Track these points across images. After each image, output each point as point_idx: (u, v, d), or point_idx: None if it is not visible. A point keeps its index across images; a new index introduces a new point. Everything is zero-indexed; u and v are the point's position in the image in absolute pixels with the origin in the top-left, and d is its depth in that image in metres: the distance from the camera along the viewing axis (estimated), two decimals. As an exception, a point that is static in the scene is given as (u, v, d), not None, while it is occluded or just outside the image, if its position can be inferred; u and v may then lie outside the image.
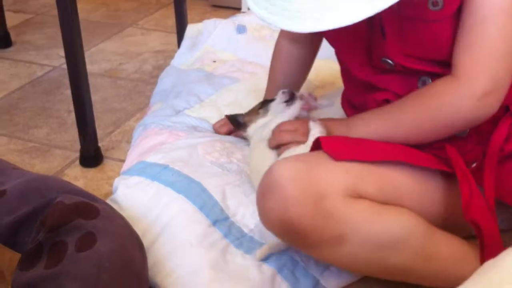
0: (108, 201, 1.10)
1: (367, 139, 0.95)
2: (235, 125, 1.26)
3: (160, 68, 1.78)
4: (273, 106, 1.18)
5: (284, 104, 1.16)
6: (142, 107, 1.57)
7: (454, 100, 0.90)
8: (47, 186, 0.95)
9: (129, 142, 1.41)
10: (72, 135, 1.41)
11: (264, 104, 1.25)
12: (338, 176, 0.87)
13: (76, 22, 1.20)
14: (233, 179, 1.13)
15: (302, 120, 1.06)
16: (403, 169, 0.92)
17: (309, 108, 1.14)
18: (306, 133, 1.00)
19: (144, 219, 1.03)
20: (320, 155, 0.90)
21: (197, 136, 1.28)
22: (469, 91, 0.88)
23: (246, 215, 1.07)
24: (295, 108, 1.12)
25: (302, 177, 0.85)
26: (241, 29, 1.81)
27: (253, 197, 1.11)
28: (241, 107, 1.44)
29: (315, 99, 1.18)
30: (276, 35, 1.78)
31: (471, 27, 0.87)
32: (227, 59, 1.72)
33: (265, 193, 0.86)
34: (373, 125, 0.96)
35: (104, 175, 1.29)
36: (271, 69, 1.31)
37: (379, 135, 0.95)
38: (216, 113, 1.43)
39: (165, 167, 1.14)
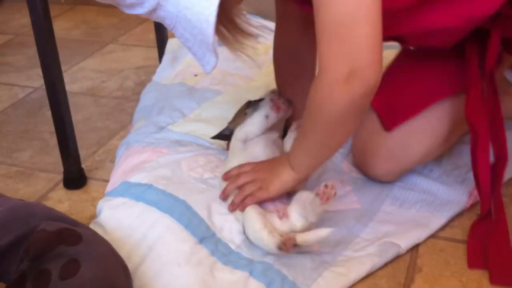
0: (92, 224, 1.09)
1: None
2: (223, 139, 1.26)
3: (142, 84, 1.77)
4: (262, 105, 1.17)
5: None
6: (125, 125, 1.56)
7: (324, 98, 0.92)
8: (30, 214, 0.93)
9: (113, 161, 1.39)
10: (55, 157, 1.39)
11: (251, 104, 1.24)
12: None
13: (53, 42, 1.18)
14: (218, 194, 1.12)
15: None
16: None
17: (278, 110, 1.14)
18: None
19: (129, 241, 1.02)
20: None
21: (180, 151, 1.27)
22: (330, 80, 0.90)
23: (233, 231, 1.06)
24: (266, 109, 1.14)
25: None
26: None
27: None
28: (227, 120, 1.43)
29: (283, 102, 1.19)
30: (257, 46, 1.80)
31: (316, 23, 0.89)
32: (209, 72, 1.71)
33: None
34: (304, 160, 1.03)
35: (88, 197, 1.28)
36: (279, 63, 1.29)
37: (314, 162, 1.04)
38: (200, 126, 1.42)
39: (148, 186, 1.12)
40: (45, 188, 1.31)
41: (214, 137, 1.26)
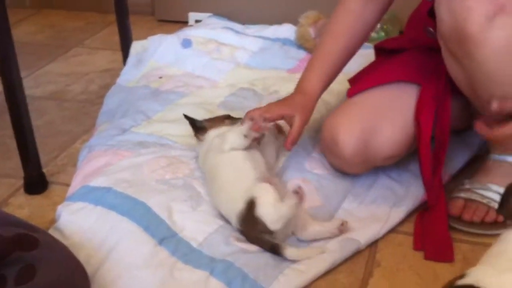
0: (51, 229, 1.08)
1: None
2: (192, 126, 1.25)
3: (107, 88, 1.76)
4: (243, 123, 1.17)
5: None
6: (88, 129, 1.55)
7: None
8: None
9: (75, 165, 1.38)
10: (15, 162, 1.37)
11: (230, 117, 1.25)
12: None
13: (11, 46, 1.17)
14: (179, 194, 1.13)
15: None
16: None
17: (258, 129, 1.14)
18: None
19: (88, 245, 1.02)
20: None
21: (142, 153, 1.27)
22: None
23: (194, 229, 1.06)
24: (245, 128, 1.13)
25: None
26: (186, 44, 1.80)
27: (201, 209, 1.10)
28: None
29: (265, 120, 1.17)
30: (222, 49, 1.80)
31: None
32: (173, 74, 1.71)
33: None
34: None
35: (49, 202, 1.27)
36: (331, 32, 1.21)
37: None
38: (163, 126, 1.42)
39: (108, 189, 1.12)
40: (5, 193, 1.30)
41: (186, 116, 1.26)
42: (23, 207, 1.25)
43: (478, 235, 1.07)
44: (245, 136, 1.11)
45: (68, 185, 1.30)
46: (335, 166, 1.21)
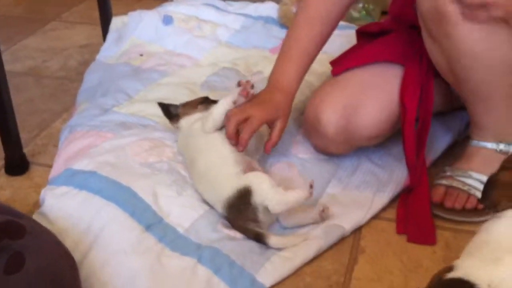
0: (36, 214, 1.07)
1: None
2: (166, 114, 1.25)
3: (86, 64, 1.73)
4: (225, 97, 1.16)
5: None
6: (68, 107, 1.53)
7: None
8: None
9: (56, 145, 1.36)
10: (-5, 142, 1.36)
11: (206, 101, 1.23)
12: None
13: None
14: (164, 178, 1.13)
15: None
16: None
17: (247, 94, 1.14)
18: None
19: (75, 231, 1.01)
20: None
21: (125, 135, 1.26)
22: None
23: (181, 214, 1.06)
24: (234, 94, 1.12)
25: None
26: (167, 20, 1.77)
27: (186, 193, 1.10)
28: (173, 101, 1.42)
29: (252, 86, 1.17)
30: (203, 26, 1.78)
31: None
32: (154, 52, 1.69)
33: None
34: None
35: (31, 183, 1.25)
36: (306, 19, 1.18)
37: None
38: (145, 107, 1.40)
39: (92, 173, 1.11)
40: (-15, 174, 1.28)
41: (160, 104, 1.25)
42: (4, 189, 1.24)
43: (459, 222, 1.10)
44: (234, 103, 1.11)
45: (49, 166, 1.29)
46: (318, 147, 1.22)
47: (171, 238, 1.02)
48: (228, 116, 1.09)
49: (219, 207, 1.06)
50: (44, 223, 1.02)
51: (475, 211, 1.10)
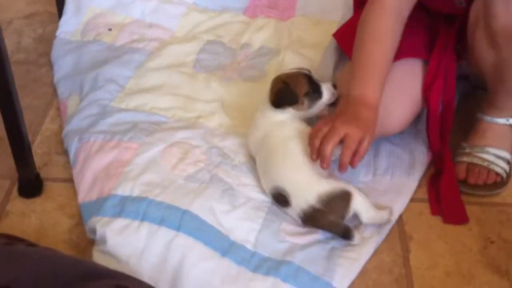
0: (98, 253, 1.03)
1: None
2: (284, 100, 1.14)
3: (42, 41, 1.58)
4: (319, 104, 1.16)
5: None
6: (50, 101, 1.41)
7: None
8: (55, 273, 0.86)
9: (59, 152, 1.28)
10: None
11: (311, 95, 1.15)
12: None
13: None
14: (214, 191, 1.12)
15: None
16: None
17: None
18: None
19: (150, 268, 1.00)
20: None
21: (148, 143, 1.21)
22: None
23: (243, 229, 1.08)
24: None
25: None
26: (127, -16, 1.63)
27: (239, 203, 1.11)
28: (170, 88, 1.37)
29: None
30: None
31: None
32: (122, 23, 1.58)
33: None
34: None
35: (55, 204, 1.17)
36: (374, 36, 1.16)
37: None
38: (145, 99, 1.34)
39: (144, 200, 1.08)
40: (-2, 199, 1.18)
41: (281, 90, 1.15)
42: (28, 215, 1.16)
43: (483, 196, 1.22)
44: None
45: (64, 180, 1.22)
46: None
47: (244, 257, 1.03)
48: (324, 141, 1.04)
49: (306, 199, 1.07)
50: (113, 263, 1.00)
51: (495, 184, 1.22)
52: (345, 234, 1.07)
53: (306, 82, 1.15)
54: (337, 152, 1.07)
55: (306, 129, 1.14)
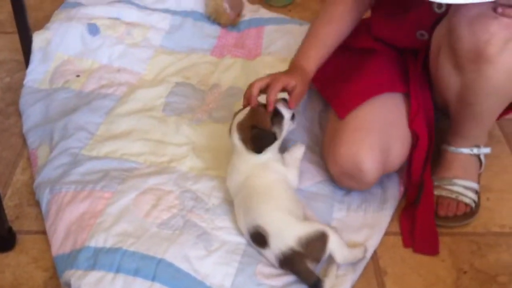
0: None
1: None
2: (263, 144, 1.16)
3: (11, 90, 1.57)
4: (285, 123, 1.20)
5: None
6: (20, 152, 1.40)
7: None
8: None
9: (31, 204, 1.27)
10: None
11: (275, 120, 1.17)
12: None
13: None
14: (187, 238, 1.12)
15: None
16: None
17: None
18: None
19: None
20: None
21: (120, 191, 1.21)
22: None
23: (218, 274, 1.08)
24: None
25: None
26: (93, 30, 1.65)
27: (214, 247, 1.12)
28: (138, 134, 1.37)
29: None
30: (133, 31, 1.68)
31: None
32: (90, 69, 1.58)
33: None
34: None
35: (29, 258, 1.16)
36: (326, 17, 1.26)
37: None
38: (116, 145, 1.34)
39: (119, 251, 1.07)
40: (-33, 257, 1.17)
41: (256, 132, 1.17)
42: (2, 270, 1.15)
43: (453, 227, 1.24)
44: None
45: (37, 232, 1.22)
46: (344, 184, 1.26)
47: (223, 303, 1.04)
48: (250, 84, 1.17)
49: (285, 238, 1.08)
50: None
51: (464, 214, 1.25)
52: (316, 284, 1.07)
53: (264, 112, 1.17)
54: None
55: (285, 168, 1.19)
